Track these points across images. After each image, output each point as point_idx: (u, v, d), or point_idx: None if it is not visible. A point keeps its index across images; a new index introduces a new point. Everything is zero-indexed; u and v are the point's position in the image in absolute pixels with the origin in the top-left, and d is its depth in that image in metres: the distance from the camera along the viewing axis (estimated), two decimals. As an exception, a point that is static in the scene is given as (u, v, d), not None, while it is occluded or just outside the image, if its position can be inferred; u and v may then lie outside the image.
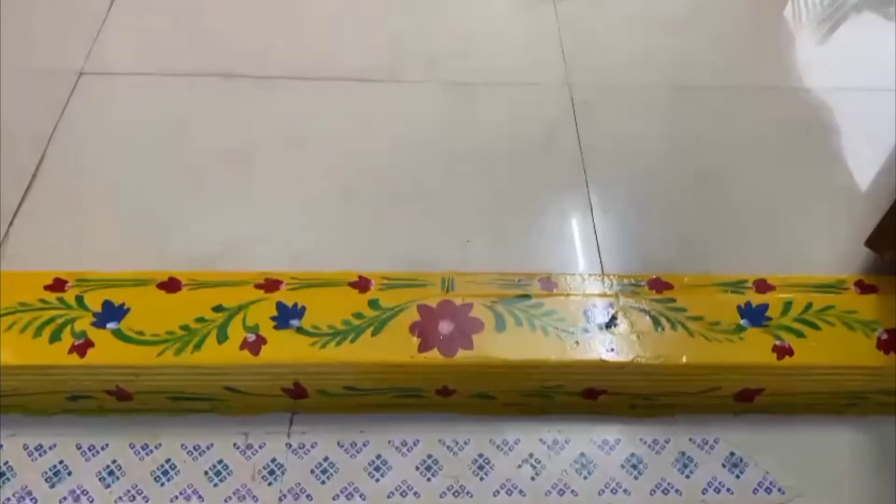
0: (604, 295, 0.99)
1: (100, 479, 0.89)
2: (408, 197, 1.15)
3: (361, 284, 0.99)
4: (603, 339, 0.94)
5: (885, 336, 0.95)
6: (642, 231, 1.12)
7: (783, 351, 0.94)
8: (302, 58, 1.33)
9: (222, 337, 0.92)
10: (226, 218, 1.10)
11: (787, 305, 0.98)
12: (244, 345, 0.92)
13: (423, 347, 0.92)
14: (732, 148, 1.23)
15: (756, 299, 0.99)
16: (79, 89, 1.26)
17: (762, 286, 1.01)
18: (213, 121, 1.23)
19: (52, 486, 0.88)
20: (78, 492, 0.88)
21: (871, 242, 1.04)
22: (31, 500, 0.87)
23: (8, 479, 0.88)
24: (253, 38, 1.36)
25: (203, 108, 1.25)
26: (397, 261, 1.05)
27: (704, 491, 0.90)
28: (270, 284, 0.98)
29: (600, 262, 1.07)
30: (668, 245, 1.10)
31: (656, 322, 0.96)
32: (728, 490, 0.91)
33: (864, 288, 1.02)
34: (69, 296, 0.96)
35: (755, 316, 0.97)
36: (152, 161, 1.17)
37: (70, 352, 0.90)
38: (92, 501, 0.87)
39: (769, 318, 0.97)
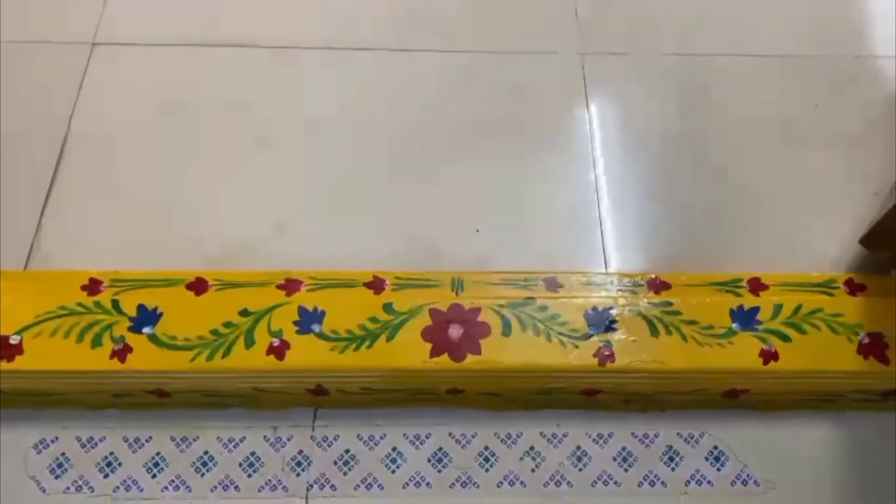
0: (605, 298, 1.05)
1: (146, 470, 0.99)
2: (418, 178, 1.19)
3: (376, 285, 1.05)
4: (602, 344, 1.01)
5: (866, 340, 1.01)
6: (649, 220, 1.16)
7: (769, 356, 1.01)
8: (313, 26, 1.32)
9: (249, 342, 1.00)
10: (246, 206, 1.16)
11: (777, 308, 1.04)
12: (270, 350, 0.99)
13: (434, 353, 1.00)
14: (743, 129, 1.24)
15: (749, 301, 1.05)
16: (93, 61, 1.27)
17: (756, 285, 1.07)
18: (226, 96, 1.25)
19: (106, 476, 0.99)
20: (129, 481, 0.99)
21: (866, 241, 1.08)
22: (88, 488, 0.98)
23: (66, 469, 0.99)
24: (266, 4, 1.34)
25: (217, 81, 1.26)
26: (413, 250, 1.12)
27: (687, 483, 1.00)
28: (291, 285, 1.05)
29: (603, 251, 1.13)
30: (672, 236, 1.15)
31: (653, 327, 1.02)
32: (709, 482, 1.01)
33: (853, 287, 1.07)
34: (105, 298, 1.03)
35: (746, 319, 1.03)
36: (169, 143, 1.21)
37: (111, 357, 0.98)
38: (142, 490, 0.98)
39: (759, 322, 1.03)
